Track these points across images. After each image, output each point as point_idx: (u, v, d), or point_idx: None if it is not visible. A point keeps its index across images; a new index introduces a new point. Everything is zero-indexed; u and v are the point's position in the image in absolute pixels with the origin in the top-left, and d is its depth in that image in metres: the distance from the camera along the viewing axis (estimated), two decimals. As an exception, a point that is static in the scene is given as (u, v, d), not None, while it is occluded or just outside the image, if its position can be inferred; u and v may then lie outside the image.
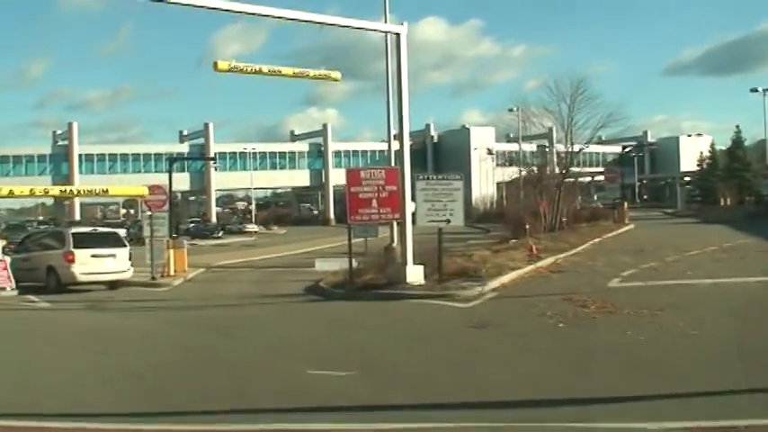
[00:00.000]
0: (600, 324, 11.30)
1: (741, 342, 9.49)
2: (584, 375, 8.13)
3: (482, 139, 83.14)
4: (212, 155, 77.05)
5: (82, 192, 34.86)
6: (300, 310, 15.51)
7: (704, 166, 68.20)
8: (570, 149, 35.89)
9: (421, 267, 16.88)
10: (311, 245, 41.10)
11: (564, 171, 36.08)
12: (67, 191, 37.17)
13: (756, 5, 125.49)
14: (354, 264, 18.17)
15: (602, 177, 64.46)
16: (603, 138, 50.80)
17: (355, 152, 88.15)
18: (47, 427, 6.64)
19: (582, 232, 31.30)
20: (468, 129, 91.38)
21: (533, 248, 21.66)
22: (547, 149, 49.55)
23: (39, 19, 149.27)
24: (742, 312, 11.85)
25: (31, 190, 25.57)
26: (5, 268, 20.16)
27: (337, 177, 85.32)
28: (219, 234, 62.66)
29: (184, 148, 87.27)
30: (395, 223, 21.23)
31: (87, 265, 20.67)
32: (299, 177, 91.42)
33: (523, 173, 43.29)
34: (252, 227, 71.31)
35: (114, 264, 21.24)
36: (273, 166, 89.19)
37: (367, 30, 18.43)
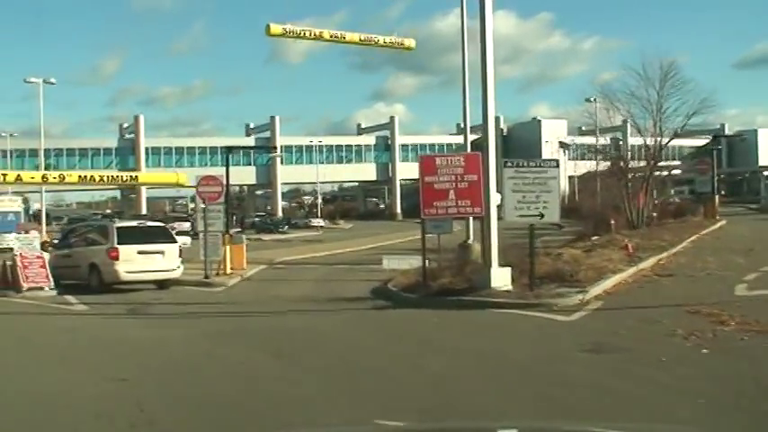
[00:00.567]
0: (754, 349, 8.76)
1: None
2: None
3: (553, 132, 79.58)
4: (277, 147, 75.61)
5: (105, 179, 34.13)
6: (367, 320, 13.12)
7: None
8: (659, 139, 32.75)
9: (508, 270, 14.23)
10: (378, 240, 39.35)
11: (653, 162, 32.95)
12: (88, 177, 36.16)
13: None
14: (427, 263, 15.86)
15: (678, 171, 60.90)
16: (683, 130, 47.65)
17: (423, 145, 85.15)
18: None
19: (672, 228, 28.53)
20: (540, 121, 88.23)
21: (629, 247, 19.28)
22: (620, 142, 46.30)
23: (112, 17, 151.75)
24: None
25: (44, 176, 24.29)
26: (43, 265, 18.36)
27: (404, 171, 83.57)
28: (285, 228, 61.70)
29: (250, 141, 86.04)
30: (470, 218, 18.78)
31: (133, 262, 18.80)
32: (366, 171, 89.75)
33: (602, 165, 40.22)
34: (318, 221, 70.42)
35: (163, 261, 19.33)
36: (340, 160, 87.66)
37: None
